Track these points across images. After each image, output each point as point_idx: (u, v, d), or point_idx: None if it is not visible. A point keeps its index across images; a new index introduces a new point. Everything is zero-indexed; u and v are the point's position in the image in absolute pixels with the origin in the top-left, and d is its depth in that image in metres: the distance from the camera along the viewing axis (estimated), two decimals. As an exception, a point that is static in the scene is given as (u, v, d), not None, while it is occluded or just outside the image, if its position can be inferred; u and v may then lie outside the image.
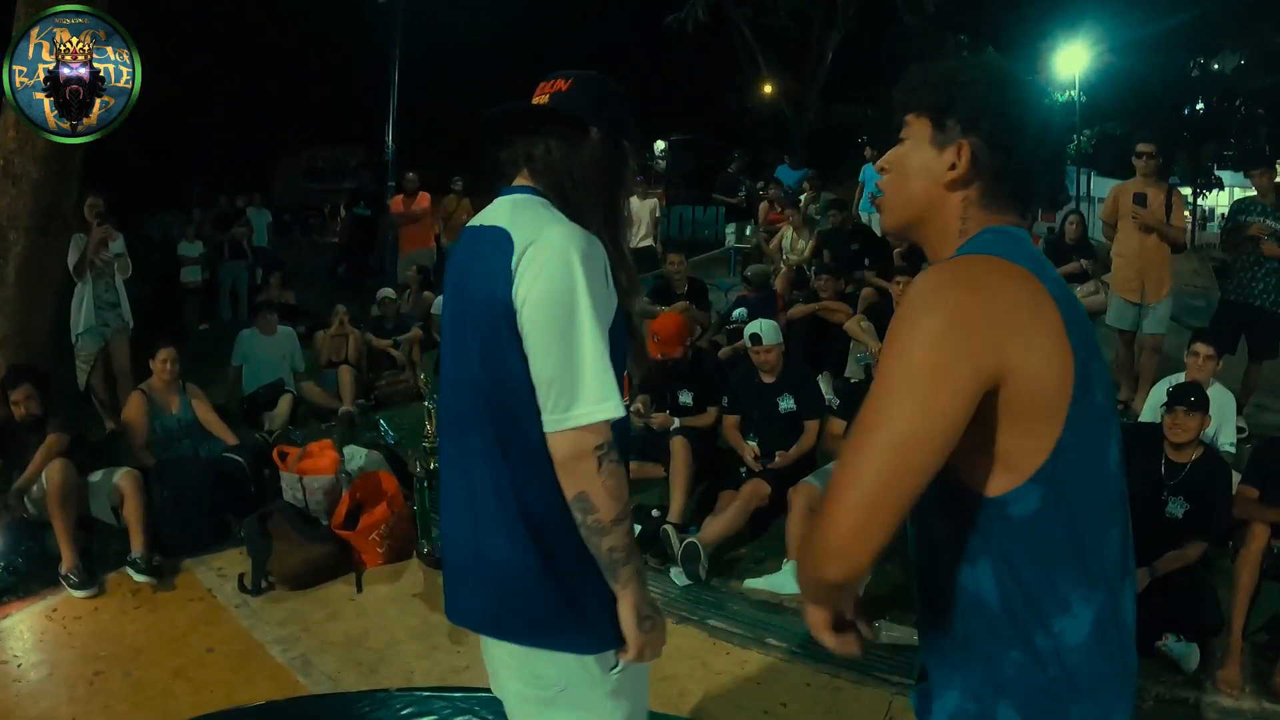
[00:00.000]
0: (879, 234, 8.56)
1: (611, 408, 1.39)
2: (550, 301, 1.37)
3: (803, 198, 9.75)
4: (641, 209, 9.71)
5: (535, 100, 1.53)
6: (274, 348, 6.07)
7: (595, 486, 1.39)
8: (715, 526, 4.04)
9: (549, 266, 1.38)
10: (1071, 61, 16.89)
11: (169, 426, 4.58)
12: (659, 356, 4.62)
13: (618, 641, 1.49)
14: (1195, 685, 3.16)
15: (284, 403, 5.74)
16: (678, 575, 3.92)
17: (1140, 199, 5.19)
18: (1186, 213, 5.33)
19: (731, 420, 4.56)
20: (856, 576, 1.04)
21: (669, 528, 4.06)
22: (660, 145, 22.37)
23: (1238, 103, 17.95)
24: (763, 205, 9.91)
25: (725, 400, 4.65)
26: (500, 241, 1.42)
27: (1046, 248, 6.90)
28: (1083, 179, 17.02)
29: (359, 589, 3.71)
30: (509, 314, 1.39)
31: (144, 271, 6.93)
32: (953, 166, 1.14)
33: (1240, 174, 19.70)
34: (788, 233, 8.40)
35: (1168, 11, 15.63)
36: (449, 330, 1.55)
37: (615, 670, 1.51)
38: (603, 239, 1.46)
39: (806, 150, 15.74)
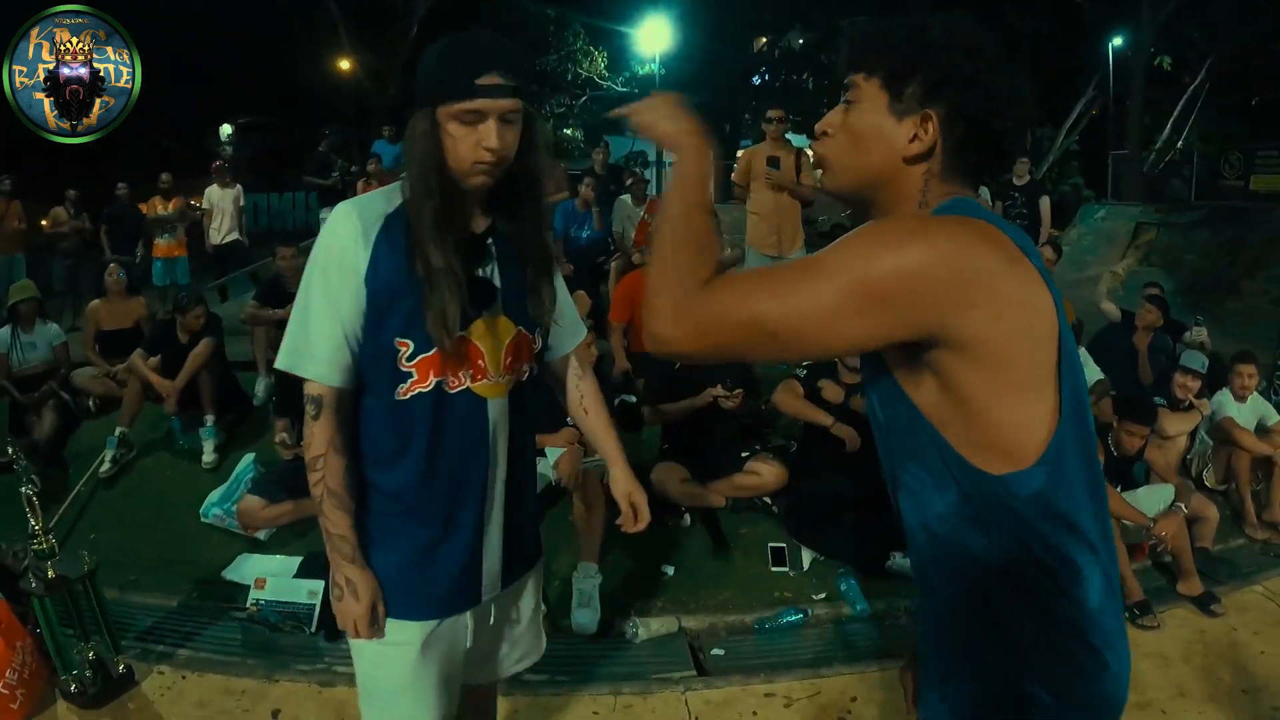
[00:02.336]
0: None
1: (297, 365, 1.47)
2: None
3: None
4: (224, 199, 8.72)
5: None
6: None
7: (309, 427, 1.51)
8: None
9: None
10: (655, 37, 18.30)
11: None
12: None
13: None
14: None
15: None
16: None
17: (774, 162, 5.62)
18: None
19: None
20: (671, 350, 0.98)
21: None
22: (226, 130, 20.00)
23: (805, 75, 20.84)
24: (360, 184, 9.05)
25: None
26: None
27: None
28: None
29: (-2, 763, 2.62)
30: None
31: None
32: (915, 138, 1.05)
33: (804, 137, 23.10)
34: None
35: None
36: None
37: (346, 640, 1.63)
38: (415, 212, 1.45)
39: (397, 125, 15.06)
